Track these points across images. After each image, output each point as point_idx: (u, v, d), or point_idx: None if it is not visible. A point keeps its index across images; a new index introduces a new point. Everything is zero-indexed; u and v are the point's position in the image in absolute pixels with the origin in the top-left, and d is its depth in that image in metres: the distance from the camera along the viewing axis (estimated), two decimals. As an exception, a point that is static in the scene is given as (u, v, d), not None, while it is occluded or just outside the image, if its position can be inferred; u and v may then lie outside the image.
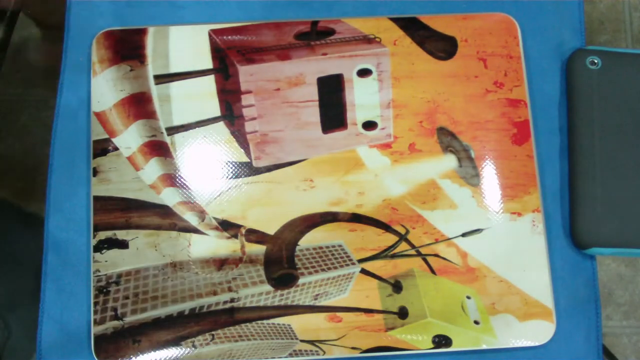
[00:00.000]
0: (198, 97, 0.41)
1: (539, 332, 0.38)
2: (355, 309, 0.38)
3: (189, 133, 0.41)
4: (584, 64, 0.43)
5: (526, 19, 0.44)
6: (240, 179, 0.40)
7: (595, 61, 0.43)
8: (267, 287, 0.38)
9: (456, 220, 0.40)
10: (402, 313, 0.38)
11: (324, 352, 0.37)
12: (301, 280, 0.39)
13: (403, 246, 0.39)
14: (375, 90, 0.42)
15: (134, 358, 0.37)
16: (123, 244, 0.39)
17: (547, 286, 0.39)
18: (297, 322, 0.38)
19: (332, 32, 0.42)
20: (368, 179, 0.40)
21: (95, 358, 0.37)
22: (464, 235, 0.40)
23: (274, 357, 0.37)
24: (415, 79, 0.42)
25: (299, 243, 0.39)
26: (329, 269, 0.39)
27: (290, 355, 0.37)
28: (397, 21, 0.43)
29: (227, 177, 0.40)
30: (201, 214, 0.40)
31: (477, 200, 0.40)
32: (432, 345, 0.38)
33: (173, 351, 0.37)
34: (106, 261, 0.39)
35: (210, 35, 0.42)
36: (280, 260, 0.39)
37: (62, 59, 0.43)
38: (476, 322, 0.38)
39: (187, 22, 0.43)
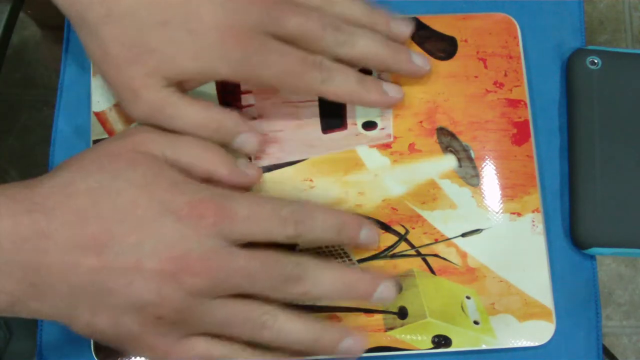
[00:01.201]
0: (198, 97, 0.41)
1: (538, 332, 0.38)
2: (355, 309, 0.38)
3: None
4: (584, 64, 0.43)
5: (526, 19, 0.44)
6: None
7: (595, 61, 0.43)
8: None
9: (456, 220, 0.40)
10: (402, 313, 0.38)
11: (324, 352, 0.37)
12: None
13: (403, 246, 0.39)
14: (375, 90, 0.41)
15: (134, 358, 0.37)
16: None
17: (547, 286, 0.39)
18: (297, 322, 0.38)
19: (332, 32, 0.42)
20: (368, 179, 0.40)
21: (95, 358, 0.37)
22: (463, 235, 0.40)
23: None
24: (415, 79, 0.42)
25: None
26: (329, 269, 0.39)
27: (291, 355, 0.37)
28: (397, 21, 0.43)
29: None
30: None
31: (476, 200, 0.40)
32: (431, 345, 0.38)
33: (173, 351, 0.37)
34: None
35: (210, 35, 0.42)
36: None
37: (62, 59, 0.43)
38: (476, 322, 0.38)
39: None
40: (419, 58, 0.40)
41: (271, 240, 0.34)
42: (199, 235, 0.32)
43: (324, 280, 0.34)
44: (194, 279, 0.32)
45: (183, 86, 0.36)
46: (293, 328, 0.34)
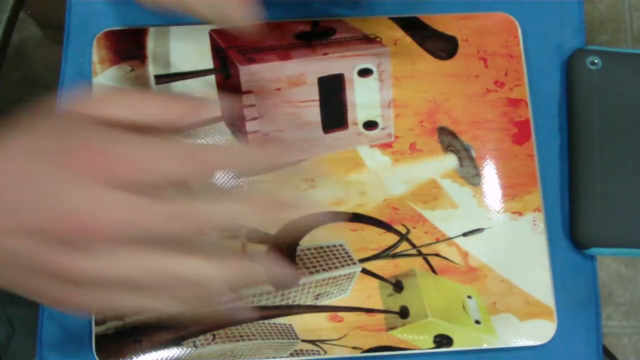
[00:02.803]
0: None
1: (539, 332, 0.38)
2: (356, 309, 0.38)
3: (190, 133, 0.41)
4: (584, 64, 0.43)
5: (526, 18, 0.44)
6: (242, 179, 0.40)
7: (595, 61, 0.43)
8: (268, 287, 0.38)
9: (457, 219, 0.40)
10: (403, 313, 0.38)
11: (325, 352, 0.37)
12: (302, 280, 0.39)
13: (404, 246, 0.39)
14: (376, 90, 0.42)
15: (135, 358, 0.37)
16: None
17: (548, 285, 0.39)
18: (298, 322, 0.38)
19: (332, 31, 0.42)
20: (369, 178, 0.40)
21: (97, 358, 0.37)
22: (464, 234, 0.40)
23: (275, 357, 0.37)
24: (416, 78, 0.42)
25: (299, 243, 0.39)
26: (330, 268, 0.39)
27: (292, 355, 0.37)
28: (398, 21, 0.43)
29: (228, 177, 0.40)
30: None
31: (477, 199, 0.40)
32: (433, 345, 0.38)
33: (174, 351, 0.37)
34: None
35: (210, 35, 0.42)
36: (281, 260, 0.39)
37: (62, 59, 0.43)
38: (477, 322, 0.38)
39: (187, 22, 0.43)
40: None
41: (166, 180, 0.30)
42: (70, 185, 0.28)
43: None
44: (67, 236, 0.28)
45: None
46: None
